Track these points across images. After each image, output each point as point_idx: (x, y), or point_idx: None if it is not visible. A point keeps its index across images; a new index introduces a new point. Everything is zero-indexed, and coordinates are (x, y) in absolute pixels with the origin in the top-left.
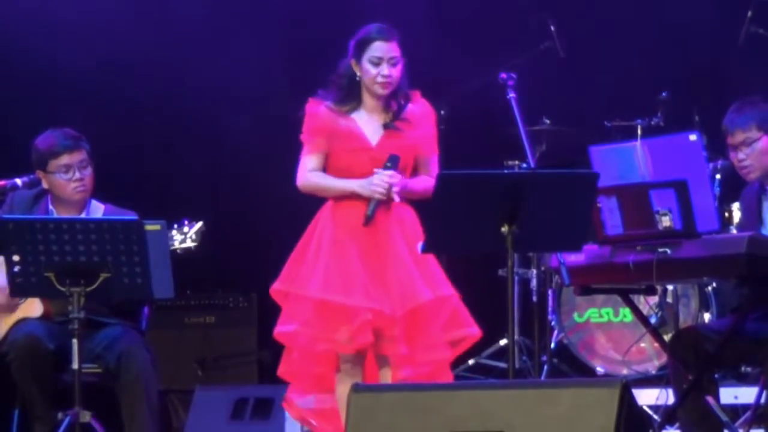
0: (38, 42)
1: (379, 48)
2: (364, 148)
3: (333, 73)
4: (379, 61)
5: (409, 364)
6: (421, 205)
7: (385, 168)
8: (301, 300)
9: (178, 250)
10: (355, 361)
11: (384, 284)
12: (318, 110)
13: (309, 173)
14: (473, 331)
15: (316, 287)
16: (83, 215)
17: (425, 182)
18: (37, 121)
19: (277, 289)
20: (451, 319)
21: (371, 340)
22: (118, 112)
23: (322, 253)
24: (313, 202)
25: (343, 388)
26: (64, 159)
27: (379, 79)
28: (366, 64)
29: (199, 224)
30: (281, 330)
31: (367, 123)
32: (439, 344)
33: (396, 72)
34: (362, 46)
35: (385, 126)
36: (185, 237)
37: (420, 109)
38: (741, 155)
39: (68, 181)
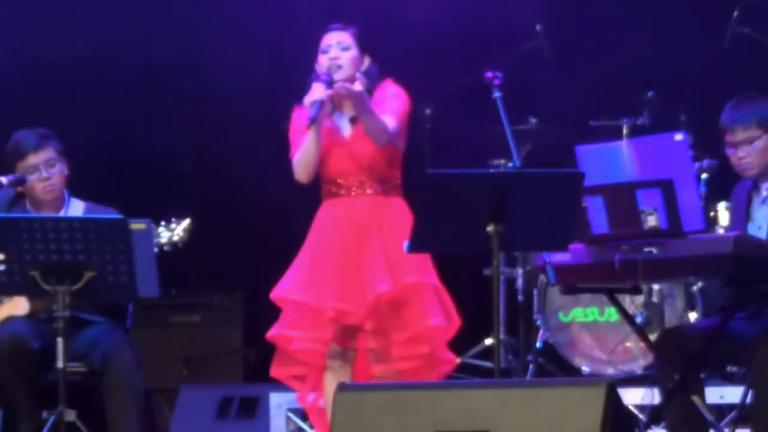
0: (20, 38)
1: (327, 38)
2: (338, 143)
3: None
4: (328, 48)
5: (389, 358)
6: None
7: (315, 80)
8: (289, 302)
9: (165, 247)
10: (342, 360)
11: (357, 280)
12: (298, 113)
13: None
14: (450, 322)
15: (284, 287)
16: (62, 213)
17: (382, 118)
18: (17, 119)
19: (273, 295)
20: (421, 309)
21: (330, 337)
22: (103, 108)
23: (302, 255)
24: (301, 201)
25: (330, 387)
26: (30, 159)
27: (327, 62)
28: (319, 57)
29: (187, 221)
30: (272, 332)
31: (339, 118)
32: (415, 337)
33: (346, 56)
34: (320, 44)
35: (351, 120)
36: (172, 233)
37: (385, 90)
38: (741, 153)
39: (36, 181)
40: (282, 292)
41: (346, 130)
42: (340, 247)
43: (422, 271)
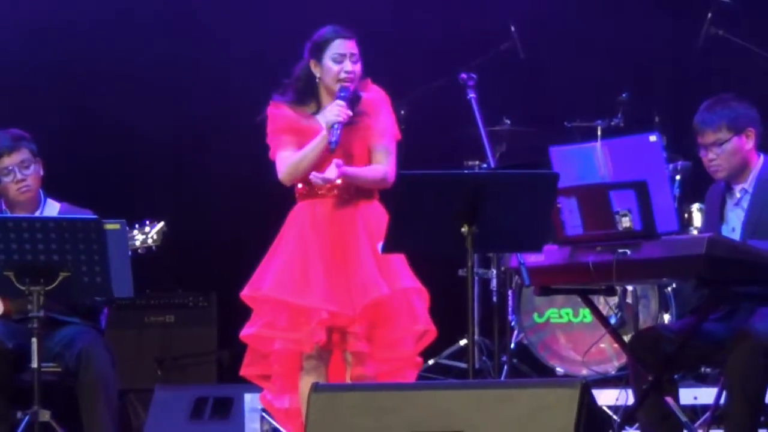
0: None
1: (340, 45)
2: (326, 148)
3: (288, 77)
4: (342, 58)
5: (371, 360)
6: (388, 203)
7: (339, 98)
8: (264, 302)
9: (139, 250)
10: (318, 360)
11: (344, 283)
12: (280, 111)
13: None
14: (431, 328)
15: (269, 287)
16: (38, 214)
17: (372, 171)
18: None
19: (244, 294)
20: (412, 313)
21: (324, 339)
22: (80, 110)
23: (283, 254)
24: (275, 202)
25: (305, 388)
26: (4, 161)
27: (342, 75)
28: (328, 63)
29: (161, 224)
30: (245, 332)
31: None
32: (401, 339)
33: (357, 69)
34: (322, 46)
35: (345, 124)
36: (146, 237)
37: (373, 96)
38: (711, 155)
39: (11, 182)
40: (269, 291)
41: (332, 172)
42: (326, 249)
43: (411, 276)
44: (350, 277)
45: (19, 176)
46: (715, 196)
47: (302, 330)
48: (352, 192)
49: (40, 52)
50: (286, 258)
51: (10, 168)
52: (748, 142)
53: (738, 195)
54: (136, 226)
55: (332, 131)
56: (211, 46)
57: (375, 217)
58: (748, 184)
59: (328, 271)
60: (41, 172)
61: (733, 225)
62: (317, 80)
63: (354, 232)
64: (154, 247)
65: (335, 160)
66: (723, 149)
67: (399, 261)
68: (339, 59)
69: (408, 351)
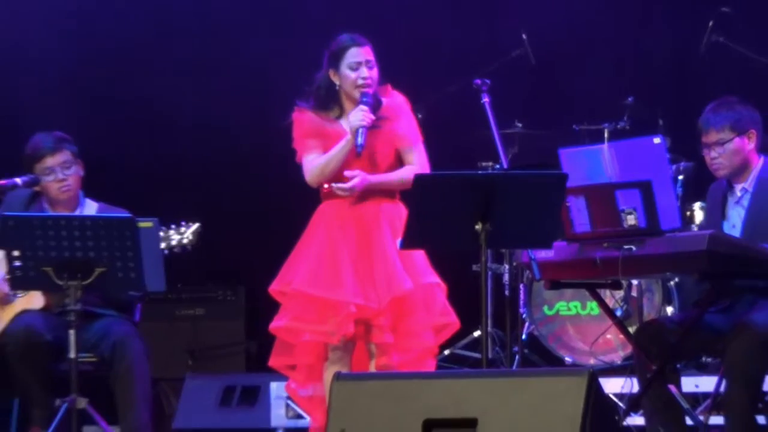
0: (35, 41)
1: (355, 53)
2: (350, 149)
3: (309, 85)
4: (357, 66)
5: (395, 350)
6: (406, 200)
7: (361, 103)
8: (293, 296)
9: (175, 249)
10: (343, 351)
11: (370, 278)
12: (305, 116)
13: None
14: (454, 320)
15: (300, 282)
16: (77, 213)
17: (402, 173)
18: (37, 121)
19: (273, 288)
20: (433, 306)
21: (352, 331)
22: (119, 117)
23: (312, 251)
24: (298, 202)
25: (330, 377)
26: (47, 161)
27: (360, 82)
28: (345, 71)
29: (196, 225)
30: (274, 324)
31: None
32: (423, 331)
33: (374, 74)
34: (338, 55)
35: (369, 128)
36: (182, 237)
37: (394, 101)
38: (713, 154)
39: (52, 182)
40: (300, 286)
41: (353, 182)
42: (353, 246)
43: (432, 271)
44: (376, 272)
45: (60, 176)
46: (717, 194)
47: (331, 322)
48: (375, 192)
49: (75, 51)
50: (315, 255)
51: (53, 168)
52: (750, 143)
53: (739, 193)
54: (173, 226)
55: (357, 135)
56: (241, 46)
57: (398, 215)
58: (748, 183)
59: (355, 266)
60: (81, 173)
61: (734, 222)
62: (337, 87)
63: (378, 230)
64: (189, 247)
65: (357, 175)
66: (725, 149)
67: (421, 257)
68: (355, 66)
69: (428, 342)
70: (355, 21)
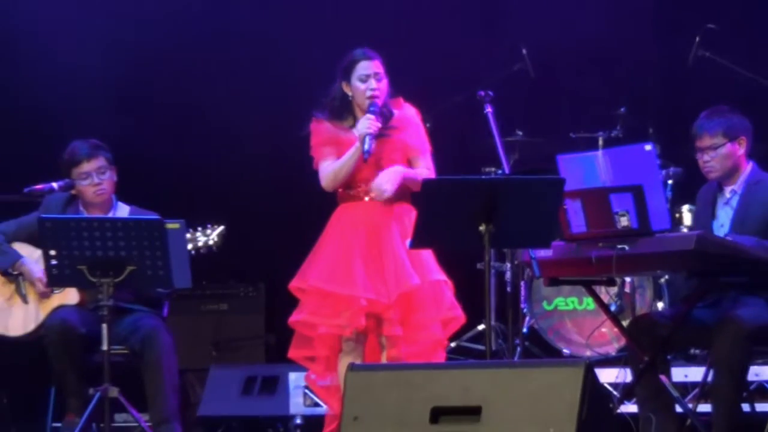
0: (67, 48)
1: (365, 66)
2: (362, 157)
3: (324, 96)
4: (367, 78)
5: (404, 342)
6: (415, 203)
7: (369, 112)
8: (310, 292)
9: (201, 250)
10: (356, 343)
11: (380, 274)
12: (321, 126)
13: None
14: (459, 314)
15: (316, 278)
16: (110, 215)
17: (417, 173)
18: (71, 128)
19: (292, 285)
20: (441, 301)
21: (364, 324)
22: (149, 125)
23: (328, 251)
24: (314, 206)
25: (344, 368)
26: (84, 167)
27: (368, 93)
28: (356, 83)
29: (221, 228)
30: (293, 318)
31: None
32: (431, 324)
33: (383, 86)
34: (349, 68)
35: (377, 136)
36: (208, 238)
37: (404, 112)
38: (706, 157)
39: (88, 185)
40: (316, 282)
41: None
42: (364, 245)
43: (439, 269)
44: (386, 269)
45: (95, 180)
46: (707, 195)
47: (343, 316)
48: (395, 195)
49: (107, 59)
50: (330, 253)
51: (89, 173)
52: (740, 149)
53: (728, 195)
54: (199, 228)
55: (364, 142)
56: (263, 59)
57: (407, 216)
58: (737, 186)
59: (366, 264)
60: (115, 178)
61: (723, 221)
62: (350, 98)
63: (388, 230)
64: (214, 248)
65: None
66: (717, 153)
67: (429, 256)
68: (365, 79)
69: (436, 334)
70: (370, 37)
